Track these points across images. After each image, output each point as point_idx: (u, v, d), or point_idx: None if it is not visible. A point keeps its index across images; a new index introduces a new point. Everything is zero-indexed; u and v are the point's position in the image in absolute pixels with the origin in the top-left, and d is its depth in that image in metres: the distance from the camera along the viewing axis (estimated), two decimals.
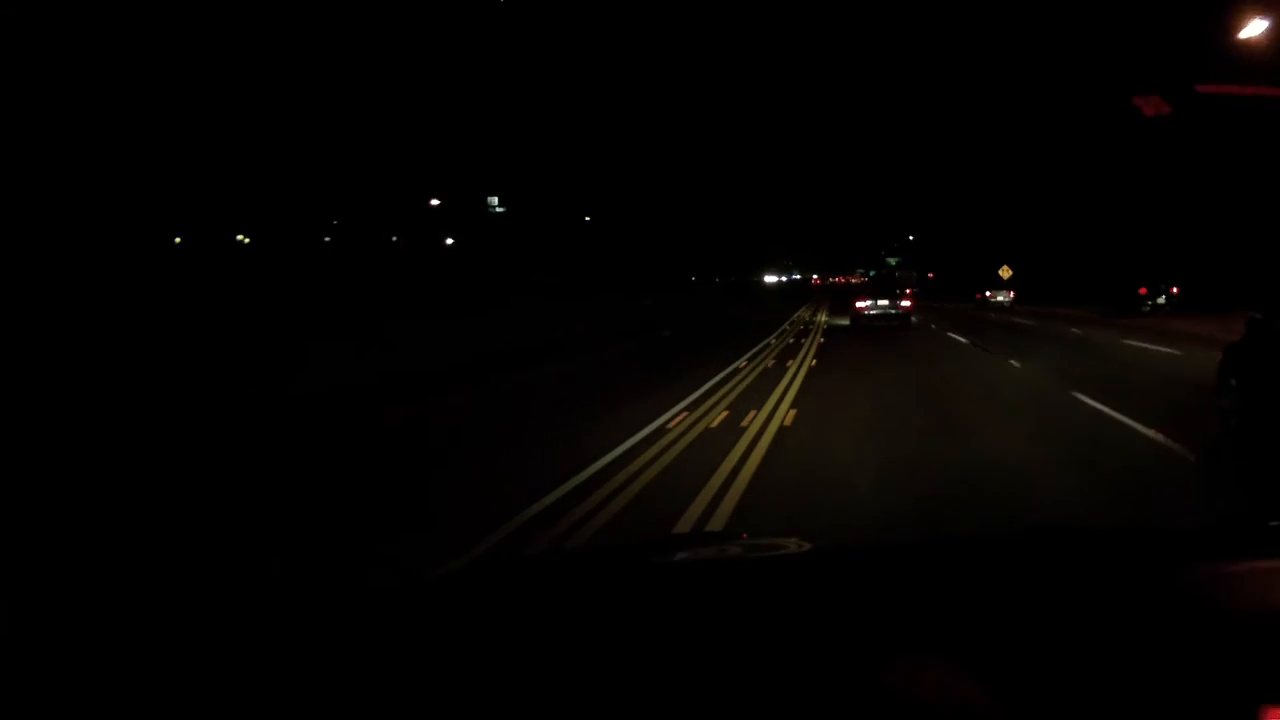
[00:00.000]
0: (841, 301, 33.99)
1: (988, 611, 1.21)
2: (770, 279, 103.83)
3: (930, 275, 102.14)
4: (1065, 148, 53.50)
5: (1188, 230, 42.07)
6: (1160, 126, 28.75)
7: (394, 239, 47.07)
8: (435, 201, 41.44)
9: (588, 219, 58.20)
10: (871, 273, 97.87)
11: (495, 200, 60.75)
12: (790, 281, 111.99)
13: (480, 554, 4.69)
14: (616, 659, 1.08)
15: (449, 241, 53.24)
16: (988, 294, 51.98)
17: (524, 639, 1.16)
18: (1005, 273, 53.94)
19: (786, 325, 27.52)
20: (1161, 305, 38.51)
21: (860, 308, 27.22)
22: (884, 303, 27.25)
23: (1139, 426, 8.59)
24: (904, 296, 27.76)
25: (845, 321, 28.37)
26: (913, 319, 27.30)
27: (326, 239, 43.44)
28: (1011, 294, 51.68)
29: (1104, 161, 48.77)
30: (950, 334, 25.18)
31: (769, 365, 16.20)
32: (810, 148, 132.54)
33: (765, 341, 22.04)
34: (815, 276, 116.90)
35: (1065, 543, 1.68)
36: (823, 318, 32.64)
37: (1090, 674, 1.00)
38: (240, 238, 41.90)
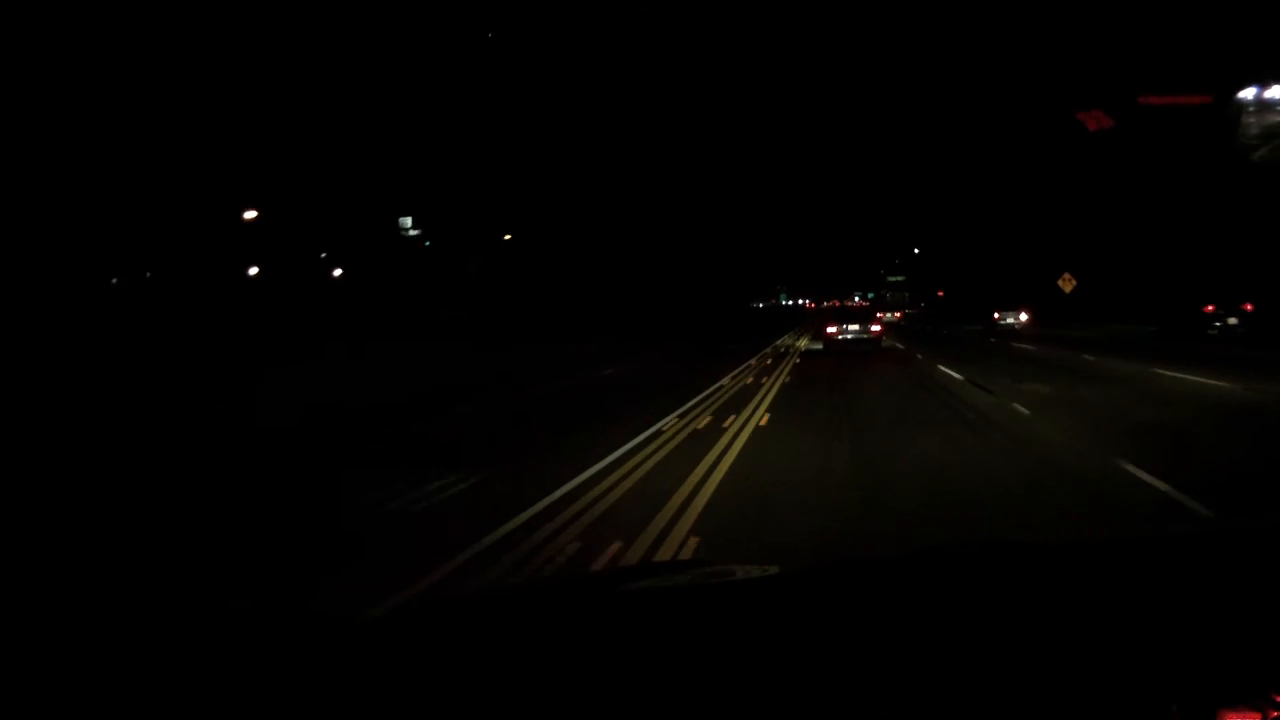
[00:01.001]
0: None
1: (955, 627, 1.23)
2: (759, 305, 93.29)
3: (940, 294, 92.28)
4: (1097, 142, 43.45)
5: (1262, 232, 32.03)
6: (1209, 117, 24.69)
7: (252, 270, 37.79)
8: (250, 215, 31.28)
9: (507, 237, 47.92)
10: (870, 295, 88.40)
11: (409, 222, 51.41)
12: (780, 307, 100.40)
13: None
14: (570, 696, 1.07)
15: (337, 272, 43.93)
16: (996, 315, 44.44)
17: (473, 681, 1.13)
18: (1067, 284, 41.87)
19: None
20: (1233, 327, 28.71)
21: (831, 333, 28.13)
22: (854, 328, 28.08)
23: None
24: (874, 322, 28.91)
25: (819, 346, 28.79)
26: (882, 343, 28.42)
27: (148, 274, 34.10)
28: (1024, 315, 43.83)
29: (1147, 156, 38.87)
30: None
31: None
32: (798, 162, 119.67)
33: None
34: (808, 301, 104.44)
35: (1026, 558, 1.66)
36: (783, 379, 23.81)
37: (1054, 684, 1.03)
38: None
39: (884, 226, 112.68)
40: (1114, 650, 1.10)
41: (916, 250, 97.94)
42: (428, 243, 56.74)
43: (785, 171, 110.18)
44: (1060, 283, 40.47)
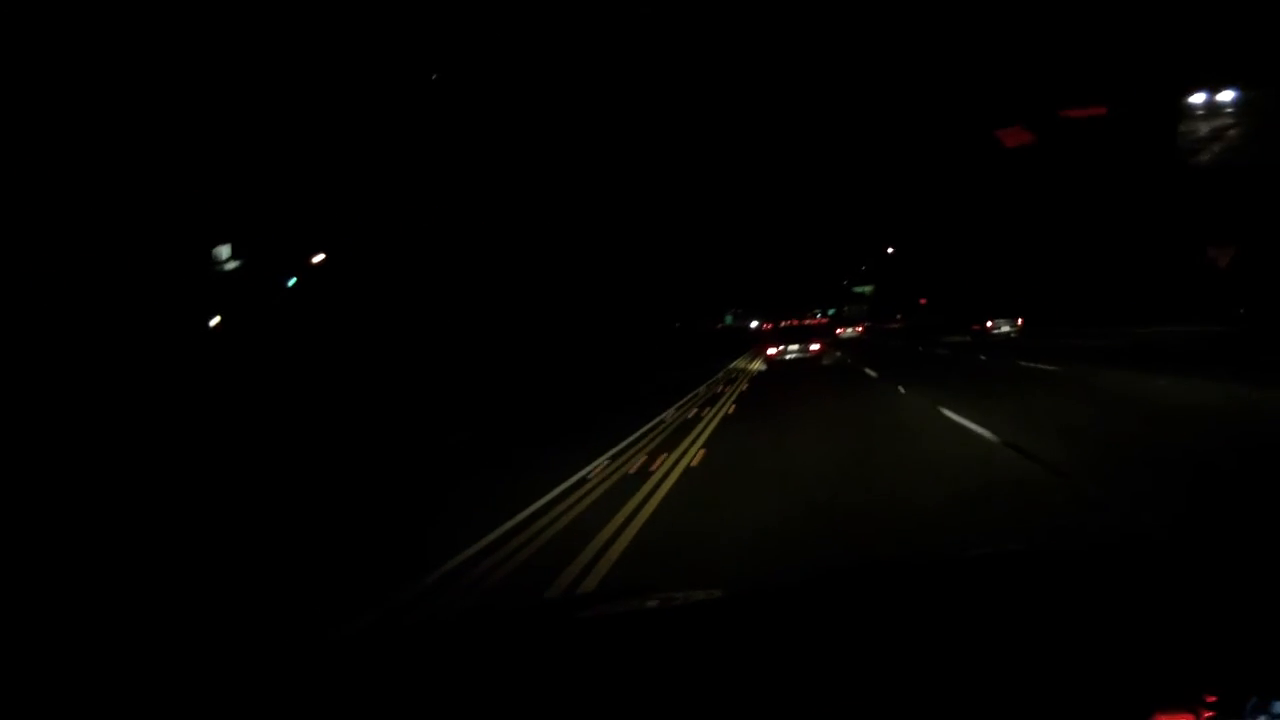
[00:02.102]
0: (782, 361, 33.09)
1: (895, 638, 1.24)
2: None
3: (922, 301, 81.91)
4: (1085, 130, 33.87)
5: None
6: None
7: None
8: None
9: (318, 258, 36.24)
10: (830, 311, 78.76)
11: (226, 251, 40.41)
12: (726, 329, 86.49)
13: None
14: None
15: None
16: (988, 324, 39.59)
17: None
18: (1224, 255, 29.51)
19: None
20: None
21: (773, 354, 31.29)
22: (795, 348, 31.08)
23: None
24: (812, 342, 31.57)
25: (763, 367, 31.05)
26: (823, 361, 30.52)
27: None
28: (1020, 322, 39.00)
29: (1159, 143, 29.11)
30: None
31: None
32: (746, 171, 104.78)
33: None
34: (762, 322, 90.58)
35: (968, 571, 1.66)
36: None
37: (998, 691, 1.04)
38: None
39: (846, 235, 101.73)
40: (1060, 654, 1.09)
41: (890, 250, 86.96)
42: (293, 281, 45.61)
43: (732, 180, 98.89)
44: (1215, 253, 29.38)
